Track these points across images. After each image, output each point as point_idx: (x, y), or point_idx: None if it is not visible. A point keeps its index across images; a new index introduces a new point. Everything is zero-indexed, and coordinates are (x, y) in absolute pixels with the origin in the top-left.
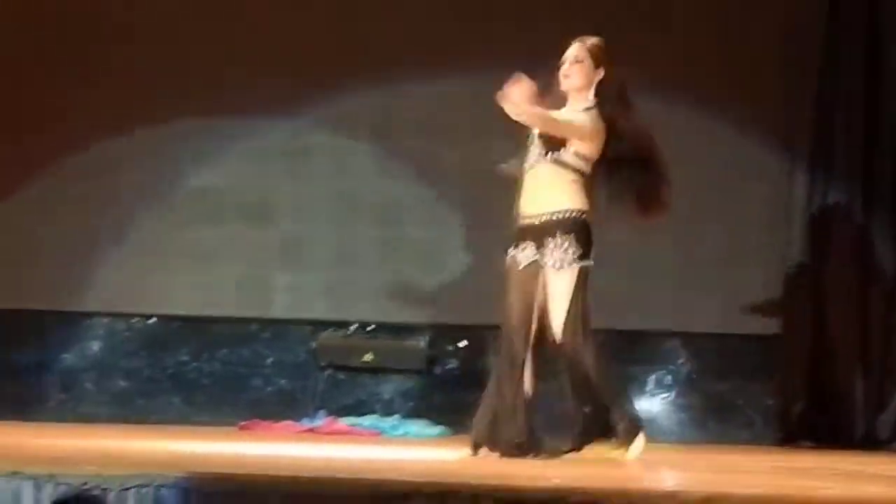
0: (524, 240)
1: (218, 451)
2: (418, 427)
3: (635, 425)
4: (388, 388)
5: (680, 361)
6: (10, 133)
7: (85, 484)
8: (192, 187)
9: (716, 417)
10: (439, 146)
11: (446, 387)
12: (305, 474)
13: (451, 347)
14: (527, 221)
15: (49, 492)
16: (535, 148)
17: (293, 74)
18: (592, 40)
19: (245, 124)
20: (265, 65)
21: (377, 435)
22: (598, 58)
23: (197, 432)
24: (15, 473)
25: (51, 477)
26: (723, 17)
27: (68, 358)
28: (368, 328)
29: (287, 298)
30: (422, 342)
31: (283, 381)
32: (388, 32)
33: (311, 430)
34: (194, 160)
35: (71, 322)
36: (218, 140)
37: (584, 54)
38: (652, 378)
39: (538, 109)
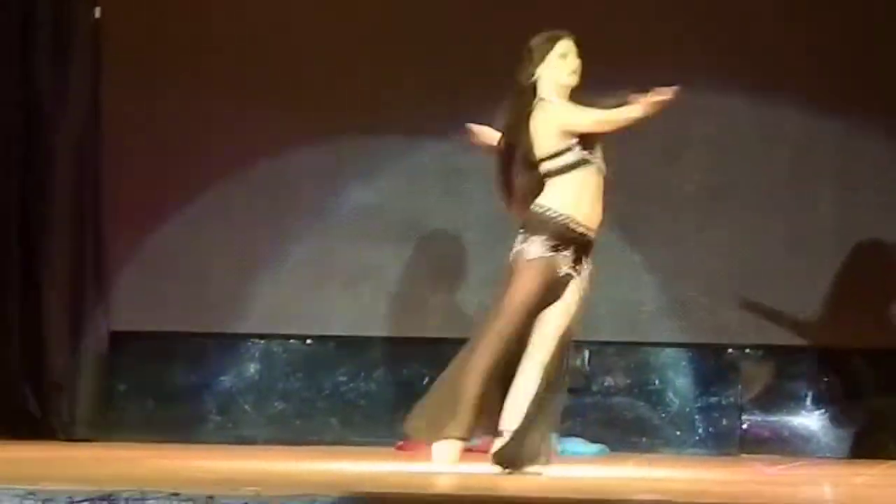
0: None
1: (376, 470)
2: (576, 445)
3: None
4: None
5: (833, 377)
6: (168, 155)
7: None
8: (349, 207)
9: (871, 433)
10: None
11: (604, 404)
12: (464, 493)
13: (609, 364)
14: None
15: None
16: (579, 150)
17: (449, 94)
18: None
19: (401, 144)
20: (422, 84)
21: None
22: None
23: (354, 453)
24: (174, 495)
25: (210, 499)
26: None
27: (226, 380)
28: None
29: (442, 317)
30: (578, 360)
31: None
32: None
33: (468, 450)
34: (351, 180)
35: (228, 344)
36: (374, 159)
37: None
38: (807, 394)
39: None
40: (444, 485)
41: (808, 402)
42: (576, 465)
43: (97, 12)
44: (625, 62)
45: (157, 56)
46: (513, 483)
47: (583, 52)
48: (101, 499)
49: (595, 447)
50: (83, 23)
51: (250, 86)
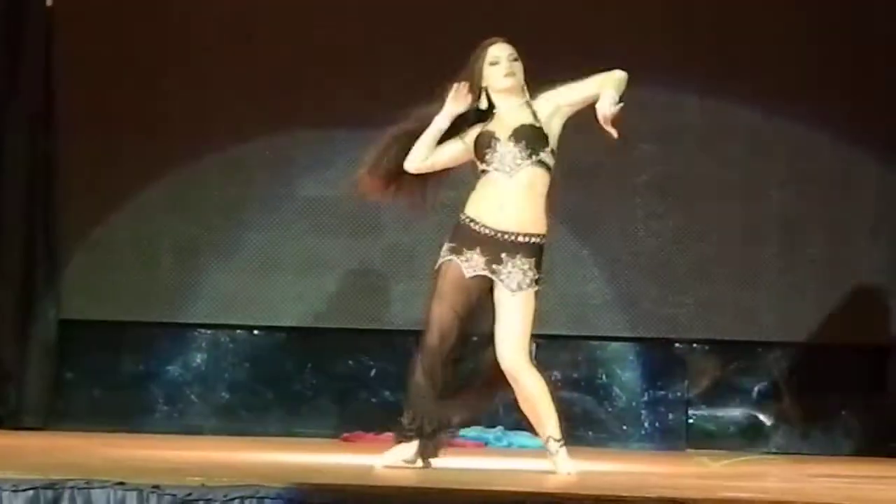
0: (472, 247)
1: (321, 462)
2: (522, 438)
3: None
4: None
5: (781, 372)
6: (120, 143)
7: (189, 495)
8: (300, 197)
9: (820, 429)
10: None
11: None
12: (408, 485)
13: (556, 358)
14: (483, 231)
15: (153, 503)
16: (511, 146)
17: (404, 84)
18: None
19: (354, 135)
20: (375, 75)
21: (481, 446)
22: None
23: (300, 444)
24: (119, 484)
25: (155, 488)
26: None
27: (173, 370)
28: (472, 338)
29: (392, 309)
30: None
31: (387, 393)
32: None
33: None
34: (303, 171)
35: (176, 334)
36: (327, 150)
37: (515, 53)
38: (755, 389)
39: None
40: (393, 477)
41: (756, 396)
42: (521, 458)
43: (49, 0)
44: (576, 56)
45: (111, 43)
46: (453, 476)
47: (519, 49)
48: (46, 487)
49: (540, 441)
50: (36, 6)
51: (204, 74)
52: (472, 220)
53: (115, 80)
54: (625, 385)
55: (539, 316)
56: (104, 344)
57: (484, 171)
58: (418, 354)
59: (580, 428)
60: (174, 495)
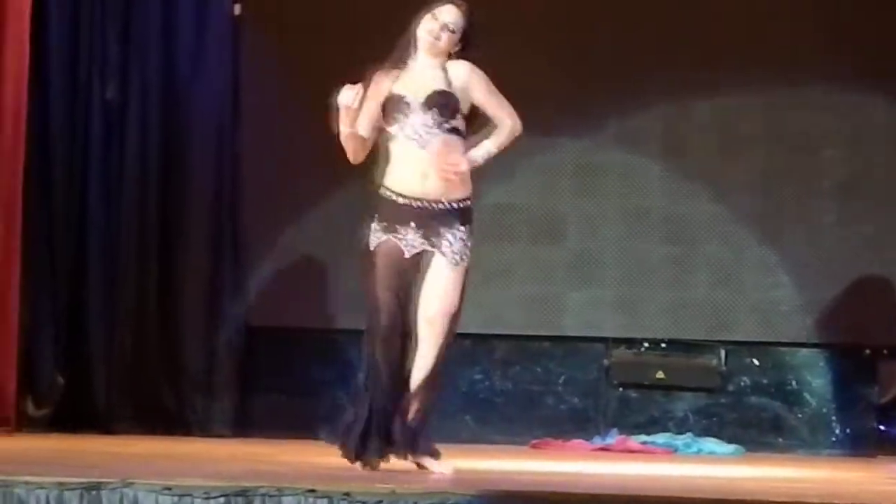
0: (406, 223)
1: (510, 469)
2: (712, 444)
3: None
4: (681, 405)
5: None
6: (306, 150)
7: (380, 502)
8: (482, 205)
9: None
10: (729, 161)
11: (740, 404)
12: (599, 492)
13: (745, 364)
14: (414, 204)
15: None
16: (421, 113)
17: (583, 91)
18: (466, 9)
19: (536, 142)
20: (556, 82)
21: (670, 453)
22: (465, 32)
23: (489, 451)
24: (310, 492)
25: (346, 495)
26: None
27: (361, 377)
28: (661, 345)
29: (578, 316)
30: (714, 359)
31: (575, 399)
32: (675, 48)
33: (603, 448)
34: (485, 178)
35: (362, 341)
36: (508, 158)
37: (458, 25)
38: None
39: None
40: (582, 484)
41: None
42: (711, 464)
43: (237, 9)
44: (766, 62)
45: (296, 49)
46: (643, 483)
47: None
48: (237, 494)
49: (730, 447)
50: (223, 15)
51: None
52: (398, 195)
53: (300, 85)
54: (815, 391)
55: (728, 322)
56: (291, 351)
57: (393, 136)
58: (368, 345)
59: (770, 434)
60: (365, 502)
